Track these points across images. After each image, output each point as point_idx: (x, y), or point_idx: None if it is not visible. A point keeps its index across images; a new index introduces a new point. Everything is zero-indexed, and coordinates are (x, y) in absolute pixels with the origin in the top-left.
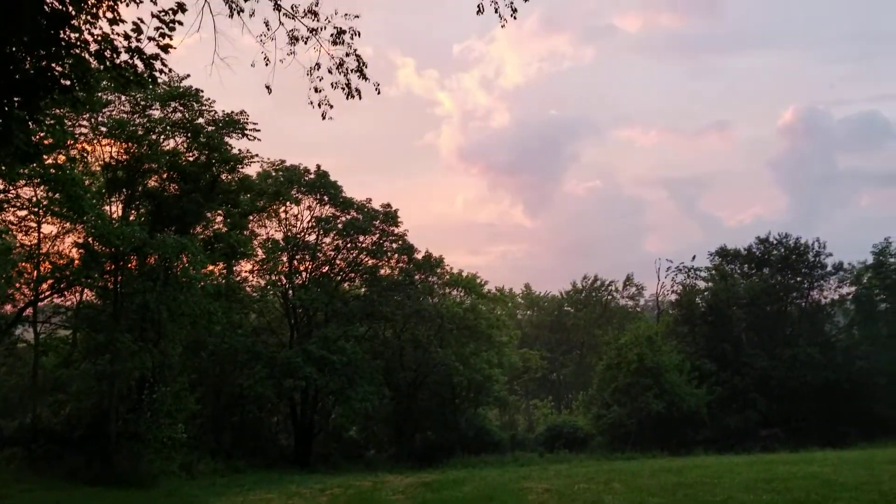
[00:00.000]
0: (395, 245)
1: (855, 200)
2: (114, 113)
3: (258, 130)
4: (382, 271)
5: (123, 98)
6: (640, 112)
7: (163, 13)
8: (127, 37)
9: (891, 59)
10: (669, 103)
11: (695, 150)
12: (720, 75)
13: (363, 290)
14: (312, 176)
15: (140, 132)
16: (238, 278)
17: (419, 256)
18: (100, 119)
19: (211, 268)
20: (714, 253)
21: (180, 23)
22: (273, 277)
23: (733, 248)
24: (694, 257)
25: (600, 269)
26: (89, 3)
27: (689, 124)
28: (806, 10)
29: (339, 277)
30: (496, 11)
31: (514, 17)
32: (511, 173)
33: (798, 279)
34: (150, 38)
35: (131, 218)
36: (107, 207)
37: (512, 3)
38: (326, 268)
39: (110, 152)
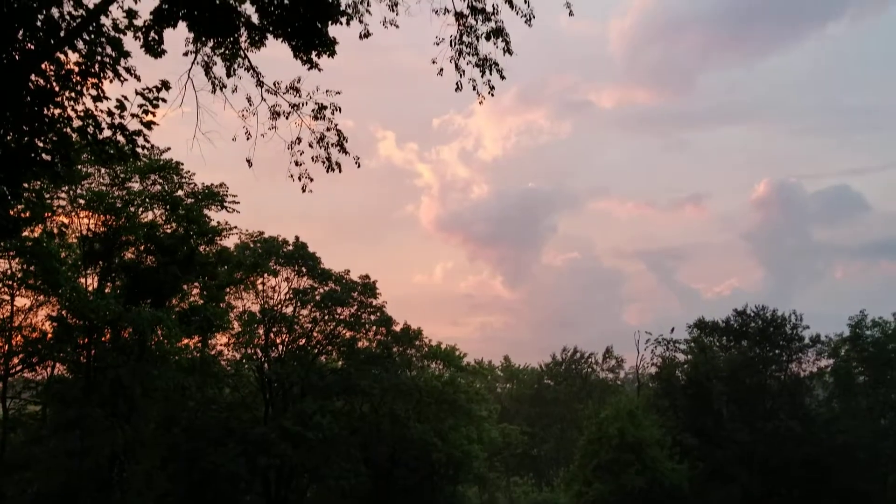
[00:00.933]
0: (373, 317)
1: (829, 273)
2: (93, 185)
3: (237, 202)
4: (360, 344)
5: (103, 170)
6: (616, 185)
7: (147, 90)
8: (110, 113)
9: (860, 133)
10: (646, 176)
11: (671, 222)
12: (695, 149)
13: (340, 363)
14: (291, 247)
15: (119, 204)
16: (213, 352)
17: (397, 328)
18: (78, 191)
19: (186, 341)
20: (693, 325)
21: (163, 100)
22: (249, 351)
23: (711, 320)
24: (672, 329)
25: (580, 342)
26: (74, 80)
27: (666, 197)
28: (777, 85)
29: (315, 350)
30: (474, 89)
31: (492, 95)
32: (490, 244)
33: (776, 352)
34: (133, 115)
35: (107, 290)
36: (82, 280)
37: (489, 81)
38: (303, 340)
39: (88, 224)
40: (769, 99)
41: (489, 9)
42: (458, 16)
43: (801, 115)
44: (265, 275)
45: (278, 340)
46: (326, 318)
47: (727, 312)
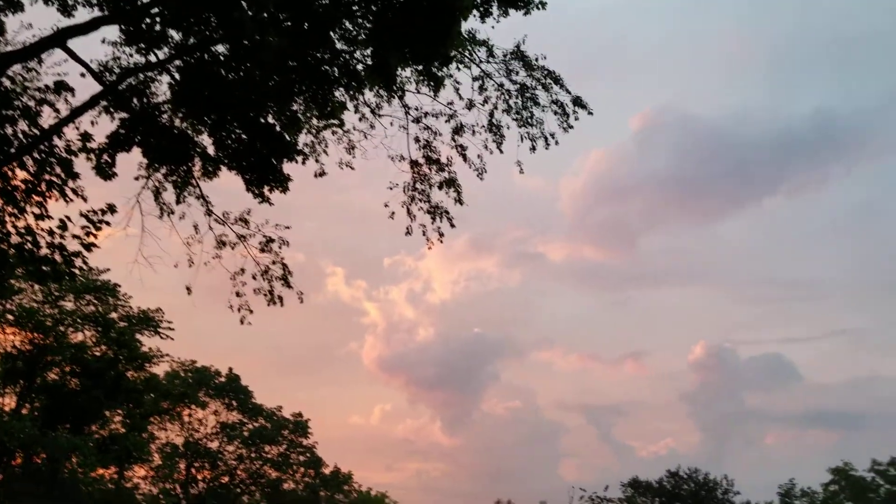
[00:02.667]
0: (302, 457)
1: (761, 439)
2: (24, 301)
3: (172, 329)
4: (286, 485)
5: (36, 286)
6: (561, 337)
7: (92, 212)
8: (51, 232)
9: (794, 304)
10: (590, 330)
11: (613, 377)
12: (638, 307)
13: None
14: (223, 379)
15: (49, 322)
16: (129, 484)
17: (327, 471)
18: (8, 306)
19: (102, 471)
20: (626, 484)
21: (108, 223)
22: (167, 486)
23: (645, 479)
24: (607, 487)
25: (516, 494)
26: (18, 196)
27: (609, 352)
28: (716, 252)
29: (238, 489)
30: (423, 234)
31: (441, 241)
32: (432, 388)
33: None
34: (74, 236)
35: (24, 411)
36: (0, 398)
37: (439, 227)
38: (226, 478)
39: (13, 341)
40: (709, 264)
41: (443, 160)
42: (413, 164)
43: (737, 282)
44: (193, 406)
45: (200, 476)
46: (253, 455)
47: (662, 472)
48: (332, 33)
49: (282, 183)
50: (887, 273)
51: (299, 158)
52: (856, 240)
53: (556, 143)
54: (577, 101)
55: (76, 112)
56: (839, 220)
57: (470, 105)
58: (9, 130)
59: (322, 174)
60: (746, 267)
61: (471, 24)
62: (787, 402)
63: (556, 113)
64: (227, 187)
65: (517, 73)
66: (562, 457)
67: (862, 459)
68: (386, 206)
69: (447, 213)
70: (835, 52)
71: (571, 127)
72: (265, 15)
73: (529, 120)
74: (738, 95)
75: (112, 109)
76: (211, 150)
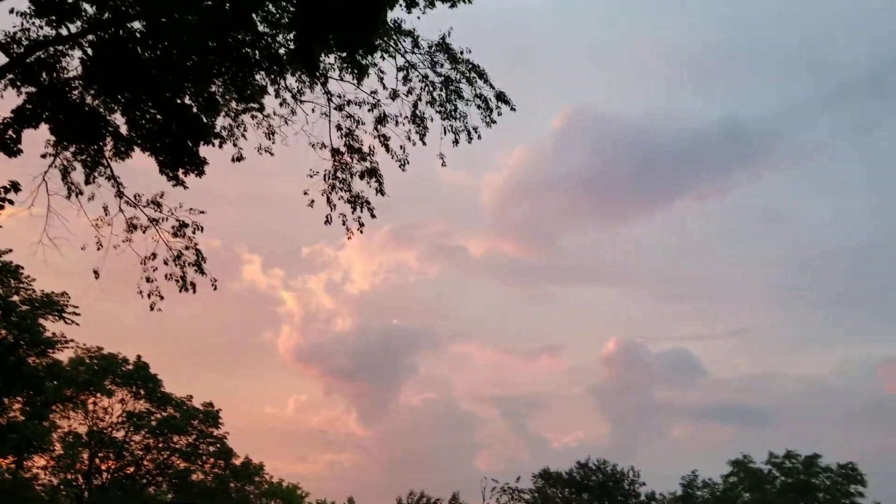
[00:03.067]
0: (212, 448)
1: (668, 432)
2: None
3: (78, 314)
4: (195, 476)
5: None
6: (479, 329)
7: None
8: None
9: (700, 303)
10: (507, 324)
11: (528, 370)
12: (554, 303)
13: (171, 496)
14: (131, 367)
15: None
16: (28, 475)
17: (238, 462)
18: None
19: None
20: (537, 475)
21: (11, 202)
22: (69, 476)
23: (556, 470)
24: (518, 478)
25: (430, 485)
26: None
27: (525, 345)
28: (629, 251)
29: (145, 480)
30: (343, 224)
31: (361, 232)
32: (348, 379)
33: None
34: None
35: None
36: None
37: (360, 217)
38: (132, 469)
39: None
40: (622, 263)
41: (365, 149)
42: (335, 152)
43: (648, 280)
44: (98, 394)
45: (104, 467)
46: (161, 445)
47: (573, 463)
48: (254, 15)
49: (197, 166)
50: (785, 277)
51: (216, 142)
52: (757, 244)
53: (479, 137)
54: (501, 97)
55: None
56: (743, 225)
57: (394, 95)
58: None
59: (240, 159)
60: (656, 266)
61: (396, 13)
62: (692, 397)
63: (479, 107)
64: (140, 169)
65: (442, 66)
66: (477, 448)
67: (760, 452)
68: (305, 193)
69: (368, 203)
70: (743, 58)
71: (494, 122)
72: None
73: (453, 113)
74: (652, 99)
75: (19, 83)
76: (123, 130)
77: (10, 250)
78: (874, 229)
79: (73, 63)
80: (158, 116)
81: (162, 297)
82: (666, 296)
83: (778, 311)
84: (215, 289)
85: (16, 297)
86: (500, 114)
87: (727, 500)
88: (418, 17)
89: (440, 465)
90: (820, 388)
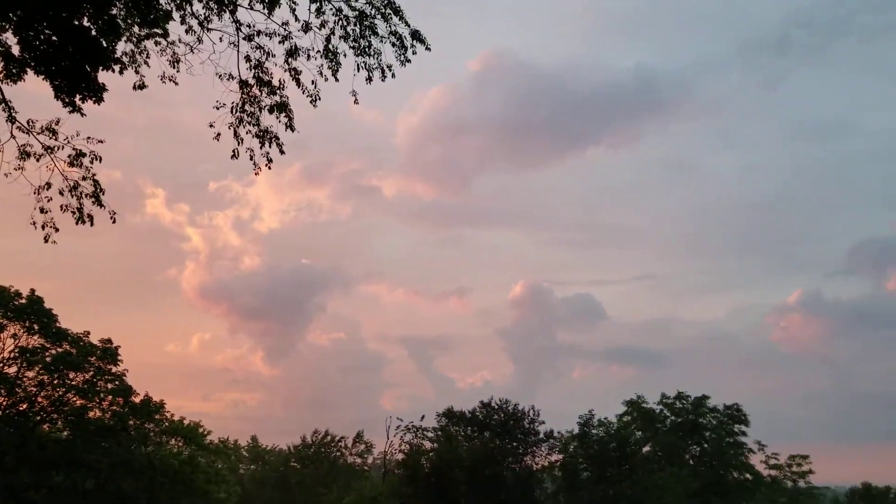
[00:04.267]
0: (110, 385)
1: (569, 373)
2: None
3: None
4: (92, 413)
5: None
6: (390, 270)
7: None
8: None
9: (605, 249)
10: (417, 266)
11: (437, 312)
12: (465, 245)
13: (66, 433)
14: (23, 301)
15: None
16: None
17: (137, 399)
18: None
19: None
20: (441, 414)
21: None
22: None
23: (459, 410)
24: (423, 417)
25: (336, 424)
26: None
27: (434, 287)
28: (541, 197)
29: (38, 417)
30: (251, 159)
31: (269, 167)
32: (255, 318)
33: (514, 444)
34: None
35: None
36: None
37: (268, 153)
38: (25, 405)
39: None
40: (533, 207)
41: (275, 83)
42: (243, 84)
43: (557, 226)
44: None
45: None
46: (56, 382)
47: (477, 403)
48: None
49: (95, 92)
50: (688, 226)
51: (117, 67)
52: (664, 193)
53: (394, 76)
54: (416, 35)
55: None
56: (652, 174)
57: (306, 28)
58: None
59: (142, 87)
60: (567, 212)
61: None
62: (594, 340)
63: (394, 45)
64: (35, 93)
65: (357, 0)
66: (383, 388)
67: (656, 393)
68: (211, 126)
69: (277, 138)
70: (660, 10)
71: (409, 61)
72: None
73: (367, 49)
74: (570, 47)
75: None
76: (16, 51)
77: None
78: (774, 183)
79: None
80: (54, 38)
81: (57, 230)
82: (574, 241)
83: (680, 259)
84: (114, 222)
85: None
86: (414, 53)
87: (620, 437)
88: None
89: (346, 405)
90: (714, 333)
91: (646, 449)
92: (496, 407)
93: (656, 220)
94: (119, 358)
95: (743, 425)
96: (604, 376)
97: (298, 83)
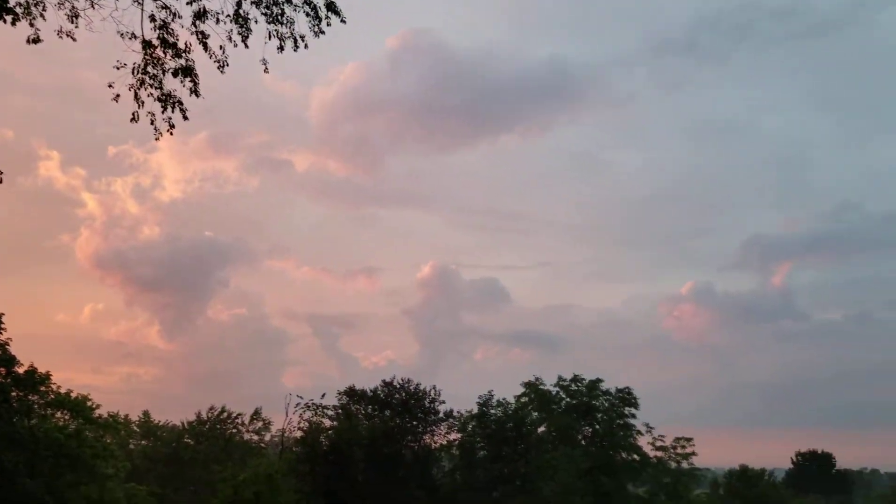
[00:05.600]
0: None
1: (472, 354)
2: None
3: None
4: None
5: None
6: (297, 247)
7: None
8: None
9: (511, 235)
10: (326, 243)
11: (344, 290)
12: (376, 225)
13: None
14: None
15: None
16: None
17: (21, 371)
18: None
19: None
20: (342, 392)
21: None
22: None
23: (361, 388)
24: (324, 395)
25: (235, 401)
26: None
27: (343, 265)
28: (453, 180)
29: None
30: (152, 123)
31: (171, 133)
32: (152, 290)
33: (414, 423)
34: None
35: None
36: None
37: (170, 118)
38: None
39: None
40: (445, 190)
41: (181, 45)
42: (146, 44)
43: (467, 210)
44: None
45: None
46: None
47: (380, 382)
48: None
49: None
50: (592, 216)
51: (9, 18)
52: (571, 184)
53: (306, 46)
54: (331, 7)
55: None
56: (560, 164)
57: None
58: None
59: (37, 41)
60: (477, 197)
61: None
62: (497, 323)
63: (307, 15)
64: None
65: None
66: (286, 365)
67: (554, 376)
68: (110, 86)
69: (181, 103)
70: (576, 4)
71: (323, 32)
72: None
73: (279, 17)
74: (489, 32)
75: None
76: None
77: None
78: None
79: None
80: None
81: None
82: (484, 226)
83: (582, 247)
84: (0, 182)
85: None
86: (329, 24)
87: (517, 418)
88: None
89: (246, 382)
90: (610, 320)
91: (541, 429)
92: (398, 386)
93: (562, 208)
94: (2, 326)
95: (633, 408)
96: (505, 358)
97: (206, 47)
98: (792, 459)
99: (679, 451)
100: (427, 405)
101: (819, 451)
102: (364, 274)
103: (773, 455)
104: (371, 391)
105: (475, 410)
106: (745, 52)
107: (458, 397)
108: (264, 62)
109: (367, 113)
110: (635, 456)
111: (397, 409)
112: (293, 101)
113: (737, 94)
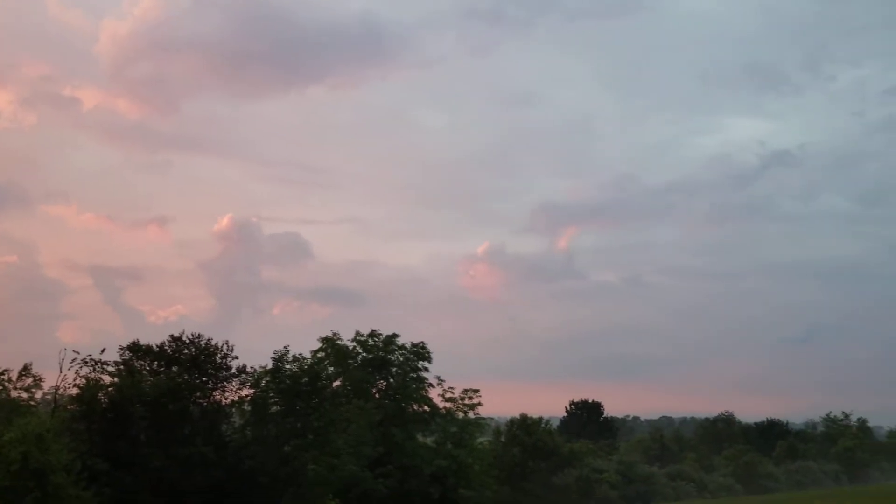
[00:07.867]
0: None
1: (270, 309)
2: None
3: None
4: None
5: None
6: (79, 192)
7: None
8: None
9: (315, 188)
10: (112, 189)
11: (132, 241)
12: (169, 172)
13: None
14: None
15: None
16: None
17: None
18: None
19: None
20: (125, 347)
21: None
22: None
23: (146, 344)
24: (103, 350)
25: (1, 356)
26: None
27: (131, 214)
28: (256, 129)
29: None
30: None
31: None
32: None
33: (204, 379)
34: None
35: None
36: None
37: None
38: None
39: None
40: (247, 140)
41: None
42: None
43: (270, 161)
44: None
45: None
46: None
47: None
48: None
49: None
50: (397, 175)
51: None
52: (378, 141)
53: None
54: None
55: None
56: (369, 121)
57: None
58: None
59: None
60: (282, 148)
61: None
62: (297, 277)
63: None
64: None
65: None
66: (61, 318)
67: (353, 331)
68: None
69: None
70: None
71: None
72: None
73: None
74: None
75: None
76: None
77: None
78: (475, 143)
79: None
80: None
81: None
82: (288, 178)
83: (386, 205)
84: None
85: None
86: None
87: (312, 373)
88: None
89: (15, 335)
90: (412, 277)
91: (336, 383)
92: (187, 341)
93: (368, 165)
94: None
95: (426, 362)
96: (304, 314)
97: None
98: (566, 408)
99: (467, 402)
100: (218, 361)
101: (590, 401)
102: (155, 224)
103: (551, 404)
104: (157, 346)
105: (269, 365)
106: (547, 24)
107: (254, 353)
108: None
109: (166, 52)
110: (426, 407)
111: (185, 365)
112: (80, 31)
113: (535, 65)
